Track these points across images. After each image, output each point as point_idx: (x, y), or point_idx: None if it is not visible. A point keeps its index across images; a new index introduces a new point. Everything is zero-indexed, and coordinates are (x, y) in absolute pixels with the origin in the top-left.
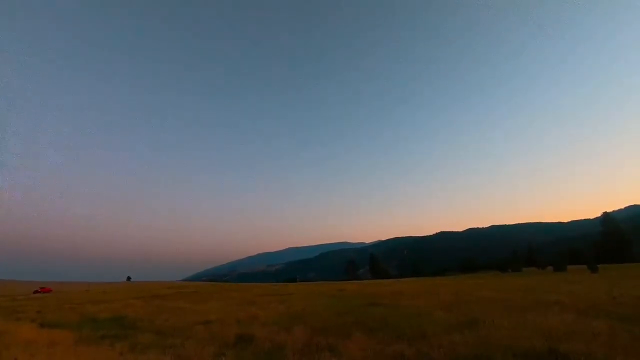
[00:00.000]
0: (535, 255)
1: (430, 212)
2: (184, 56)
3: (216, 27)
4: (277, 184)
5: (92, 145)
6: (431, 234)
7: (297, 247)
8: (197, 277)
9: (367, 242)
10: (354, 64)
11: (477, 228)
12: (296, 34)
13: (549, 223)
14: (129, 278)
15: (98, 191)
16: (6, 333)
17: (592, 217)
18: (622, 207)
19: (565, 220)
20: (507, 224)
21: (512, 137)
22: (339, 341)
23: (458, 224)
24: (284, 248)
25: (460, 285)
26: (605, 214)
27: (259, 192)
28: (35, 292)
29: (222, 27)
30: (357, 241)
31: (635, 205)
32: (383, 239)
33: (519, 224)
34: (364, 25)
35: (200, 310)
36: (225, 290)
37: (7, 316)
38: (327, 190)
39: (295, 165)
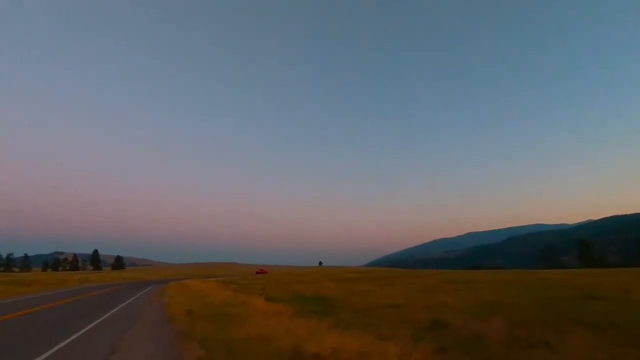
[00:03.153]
0: None
1: None
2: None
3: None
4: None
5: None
6: None
7: (477, 232)
8: (377, 263)
9: (569, 224)
10: None
11: None
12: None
13: None
14: (320, 263)
15: (304, 190)
16: (247, 303)
17: None
18: None
19: None
20: None
21: None
22: (552, 337)
23: None
24: (463, 233)
25: None
26: None
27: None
28: (257, 273)
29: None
30: (555, 222)
31: None
32: (595, 219)
33: None
34: None
35: (386, 294)
36: (405, 276)
37: (244, 290)
38: (510, 165)
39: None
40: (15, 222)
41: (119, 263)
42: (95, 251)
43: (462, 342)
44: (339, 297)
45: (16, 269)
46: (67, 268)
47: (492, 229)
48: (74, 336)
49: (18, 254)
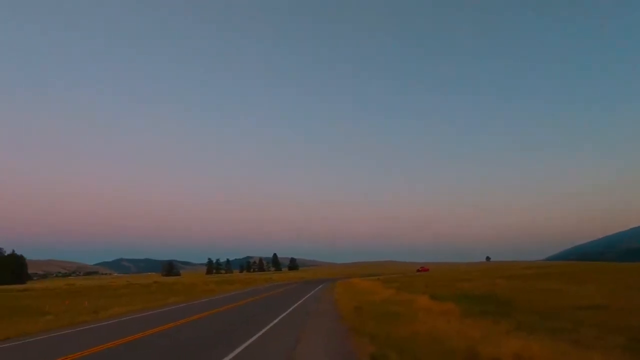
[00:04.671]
0: None
1: None
2: None
3: None
4: None
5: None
6: None
7: None
8: (563, 256)
9: None
10: None
11: None
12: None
13: None
14: (488, 258)
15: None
16: (411, 301)
17: None
18: None
19: None
20: None
21: None
22: None
23: None
24: None
25: None
26: None
27: None
28: (418, 270)
29: None
30: None
31: None
32: None
33: None
34: None
35: (578, 293)
36: (603, 271)
37: (406, 288)
38: None
39: None
40: (219, 233)
41: (293, 264)
42: (275, 255)
43: None
44: (513, 297)
45: (222, 271)
46: (256, 269)
47: None
48: (270, 324)
49: (222, 258)
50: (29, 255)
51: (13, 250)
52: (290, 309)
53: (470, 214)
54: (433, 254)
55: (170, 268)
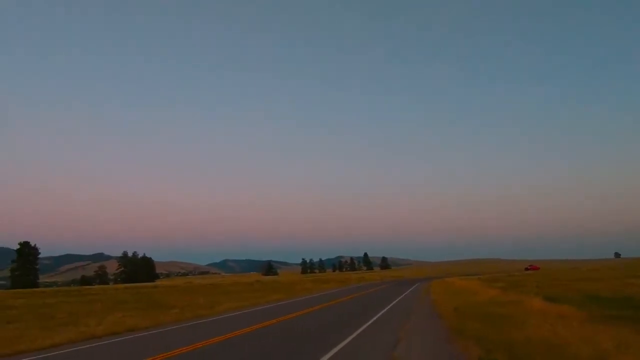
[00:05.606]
0: None
1: None
2: None
3: None
4: None
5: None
6: None
7: None
8: None
9: None
10: None
11: None
12: None
13: None
14: (617, 254)
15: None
16: (519, 302)
17: None
18: None
19: None
20: None
21: None
22: None
23: None
24: None
25: None
26: None
27: None
28: (526, 269)
29: None
30: None
31: None
32: None
33: None
34: None
35: None
36: None
37: (513, 288)
38: None
39: None
40: (312, 234)
41: (384, 263)
42: (365, 254)
43: None
44: None
45: (316, 270)
46: (347, 268)
47: None
48: (369, 322)
49: (315, 258)
50: (155, 258)
51: (144, 254)
52: (387, 307)
53: (597, 205)
54: (542, 251)
55: (269, 268)
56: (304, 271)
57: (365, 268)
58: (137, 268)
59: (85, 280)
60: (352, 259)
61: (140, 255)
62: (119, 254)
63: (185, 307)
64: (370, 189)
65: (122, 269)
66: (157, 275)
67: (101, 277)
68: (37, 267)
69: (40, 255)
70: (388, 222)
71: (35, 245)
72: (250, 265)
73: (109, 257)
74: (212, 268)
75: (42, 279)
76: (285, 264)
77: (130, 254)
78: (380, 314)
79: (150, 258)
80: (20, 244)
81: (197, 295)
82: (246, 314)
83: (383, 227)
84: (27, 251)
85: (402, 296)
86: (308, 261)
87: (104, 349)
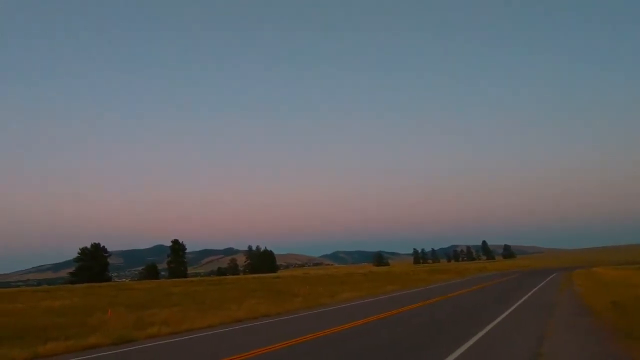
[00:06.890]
0: None
1: None
2: None
3: None
4: None
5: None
6: None
7: None
8: None
9: None
10: None
11: None
12: None
13: None
14: None
15: None
16: None
17: None
18: None
19: None
20: None
21: None
22: None
23: None
24: None
25: None
26: None
27: None
28: None
29: None
30: None
31: None
32: None
33: None
34: None
35: None
36: None
37: None
38: None
39: None
40: (423, 223)
41: (507, 252)
42: (484, 242)
43: None
44: None
45: (429, 260)
46: (464, 258)
47: None
48: (503, 315)
49: (427, 248)
50: (275, 250)
51: (265, 247)
52: (521, 300)
53: None
54: None
55: (380, 258)
56: (416, 261)
57: (485, 257)
58: (261, 260)
59: (220, 271)
60: (468, 247)
61: (263, 248)
62: (245, 248)
63: (307, 295)
64: (495, 174)
65: (249, 261)
66: (278, 267)
67: (233, 269)
68: (185, 260)
69: (186, 251)
70: (510, 208)
71: (182, 242)
72: (360, 256)
73: (237, 251)
74: (324, 259)
75: (189, 270)
76: (396, 254)
77: (254, 248)
78: (515, 306)
79: (271, 251)
80: (172, 241)
81: (316, 285)
82: (367, 303)
83: (504, 214)
84: (177, 247)
85: (537, 287)
86: (420, 251)
87: (261, 328)
